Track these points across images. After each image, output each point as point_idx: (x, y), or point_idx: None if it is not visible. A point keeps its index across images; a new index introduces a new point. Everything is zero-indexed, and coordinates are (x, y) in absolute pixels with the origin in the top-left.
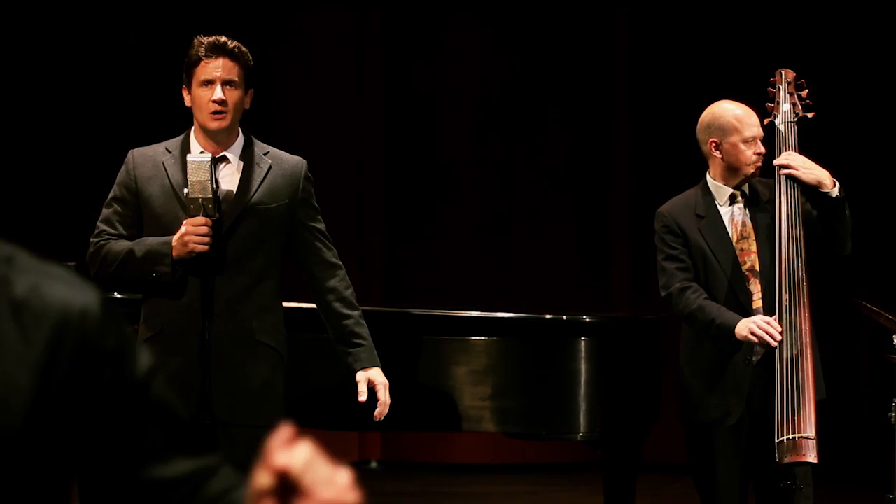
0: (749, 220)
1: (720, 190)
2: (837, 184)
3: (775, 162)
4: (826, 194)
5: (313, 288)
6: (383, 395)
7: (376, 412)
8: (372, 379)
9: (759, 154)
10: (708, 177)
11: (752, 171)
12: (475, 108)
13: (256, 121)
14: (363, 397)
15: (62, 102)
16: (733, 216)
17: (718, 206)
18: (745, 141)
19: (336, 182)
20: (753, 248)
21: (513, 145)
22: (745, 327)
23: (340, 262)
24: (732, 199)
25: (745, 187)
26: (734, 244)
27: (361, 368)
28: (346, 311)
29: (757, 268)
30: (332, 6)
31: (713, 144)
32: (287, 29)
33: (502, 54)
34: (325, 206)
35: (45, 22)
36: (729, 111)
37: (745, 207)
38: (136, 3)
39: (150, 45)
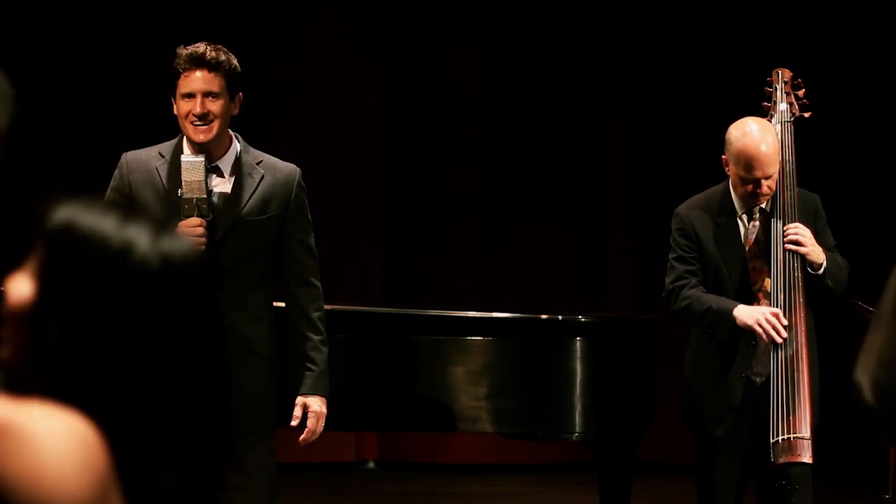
0: (763, 239)
1: (738, 201)
2: (824, 267)
3: (785, 236)
4: (815, 273)
5: (286, 300)
6: (312, 424)
7: (300, 438)
8: (308, 405)
9: (758, 193)
10: (730, 182)
11: (750, 203)
12: (474, 108)
13: (255, 122)
14: (295, 422)
15: (61, 105)
16: (749, 233)
17: (737, 218)
18: (743, 179)
19: (335, 182)
20: (765, 268)
21: (511, 146)
22: (750, 316)
23: (318, 283)
24: (750, 215)
25: (766, 204)
26: (747, 262)
27: (302, 393)
28: (308, 332)
29: (769, 289)
30: (331, 7)
31: (724, 161)
32: (285, 29)
33: (501, 55)
34: (324, 207)
35: (43, 24)
36: (740, 141)
37: (761, 224)
38: (135, 5)
39: (149, 46)
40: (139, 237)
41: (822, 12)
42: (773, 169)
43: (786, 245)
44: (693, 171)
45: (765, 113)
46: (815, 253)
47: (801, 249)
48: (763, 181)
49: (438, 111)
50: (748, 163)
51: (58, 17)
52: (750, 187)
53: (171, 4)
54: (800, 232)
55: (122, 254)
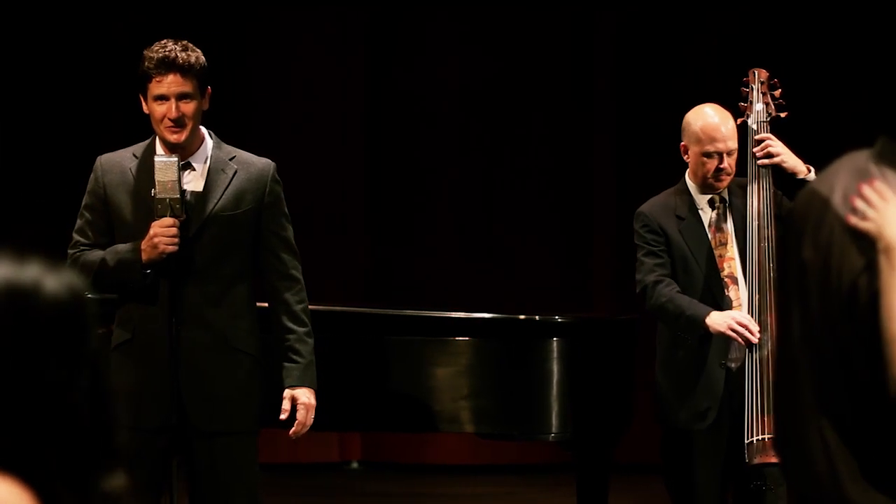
0: (727, 226)
1: (697, 193)
2: (812, 170)
3: (756, 151)
4: (803, 180)
5: (268, 296)
6: (302, 416)
7: (291, 431)
8: (296, 397)
9: (722, 169)
10: (687, 177)
11: (715, 184)
12: (458, 109)
13: (239, 122)
14: (284, 416)
15: (50, 105)
16: (711, 222)
17: (698, 209)
18: (706, 154)
19: (319, 182)
20: (731, 254)
21: (495, 146)
22: (722, 322)
23: (299, 276)
24: (711, 204)
25: (724, 192)
26: (713, 250)
27: (289, 385)
28: (291, 325)
29: (736, 274)
30: (315, 9)
31: (683, 148)
32: (270, 31)
33: (486, 55)
34: (308, 206)
35: (35, 24)
36: (700, 120)
37: (722, 213)
38: (123, 6)
39: (137, 47)
40: (42, 277)
41: (804, 13)
42: (734, 144)
43: (758, 162)
44: (678, 172)
45: (741, 113)
46: (792, 160)
47: (776, 160)
48: (726, 156)
49: (422, 113)
50: (712, 135)
51: (46, 18)
52: (715, 162)
53: (158, 7)
54: (770, 142)
55: (33, 297)
